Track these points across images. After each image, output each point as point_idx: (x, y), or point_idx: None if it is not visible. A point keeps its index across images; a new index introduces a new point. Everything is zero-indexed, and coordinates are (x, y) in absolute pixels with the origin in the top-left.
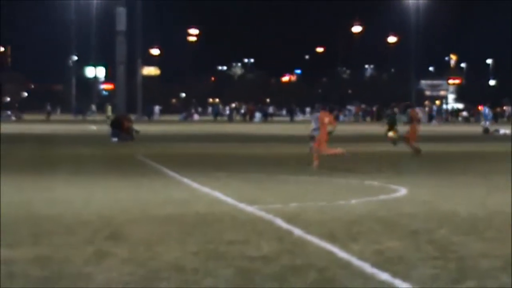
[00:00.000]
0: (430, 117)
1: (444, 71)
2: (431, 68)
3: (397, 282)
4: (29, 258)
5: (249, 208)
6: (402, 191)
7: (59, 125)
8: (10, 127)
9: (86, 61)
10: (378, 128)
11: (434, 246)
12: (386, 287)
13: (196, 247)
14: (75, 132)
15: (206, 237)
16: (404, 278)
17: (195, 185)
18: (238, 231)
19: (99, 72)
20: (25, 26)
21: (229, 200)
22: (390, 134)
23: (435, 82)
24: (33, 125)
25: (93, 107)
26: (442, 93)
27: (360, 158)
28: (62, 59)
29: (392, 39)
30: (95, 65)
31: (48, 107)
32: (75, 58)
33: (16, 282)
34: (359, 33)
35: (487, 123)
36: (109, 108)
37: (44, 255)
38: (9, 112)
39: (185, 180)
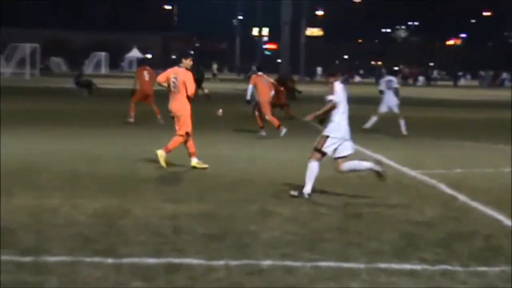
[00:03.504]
0: None
1: None
2: None
3: None
4: (195, 214)
5: (413, 173)
6: None
7: (225, 83)
8: None
9: (251, 20)
10: None
11: None
12: None
13: (359, 209)
14: (238, 91)
15: (370, 200)
16: None
17: (357, 147)
18: (401, 195)
19: (263, 32)
20: None
21: (392, 163)
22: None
23: None
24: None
25: (253, 67)
26: None
27: None
28: (227, 18)
29: None
30: (259, 25)
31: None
32: (240, 17)
33: (183, 237)
34: None
35: None
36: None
37: (209, 212)
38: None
39: None
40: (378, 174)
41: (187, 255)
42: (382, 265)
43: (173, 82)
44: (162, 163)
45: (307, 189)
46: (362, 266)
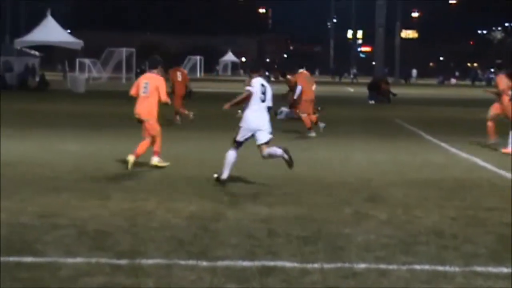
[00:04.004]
0: None
1: None
2: None
3: None
4: (288, 217)
5: (509, 175)
6: None
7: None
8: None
9: (345, 23)
10: None
11: None
12: None
13: (454, 212)
14: (332, 93)
15: (465, 203)
16: None
17: (452, 149)
18: (497, 198)
19: (358, 34)
20: None
21: (488, 166)
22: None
23: None
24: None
25: (354, 69)
26: None
27: None
28: (321, 20)
29: None
30: (354, 27)
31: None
32: (334, 20)
33: (277, 240)
34: None
35: None
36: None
37: (303, 214)
38: (266, 73)
39: (442, 144)
40: (287, 162)
41: (281, 258)
42: (478, 268)
43: (144, 87)
44: (130, 167)
45: (225, 175)
46: (457, 269)
